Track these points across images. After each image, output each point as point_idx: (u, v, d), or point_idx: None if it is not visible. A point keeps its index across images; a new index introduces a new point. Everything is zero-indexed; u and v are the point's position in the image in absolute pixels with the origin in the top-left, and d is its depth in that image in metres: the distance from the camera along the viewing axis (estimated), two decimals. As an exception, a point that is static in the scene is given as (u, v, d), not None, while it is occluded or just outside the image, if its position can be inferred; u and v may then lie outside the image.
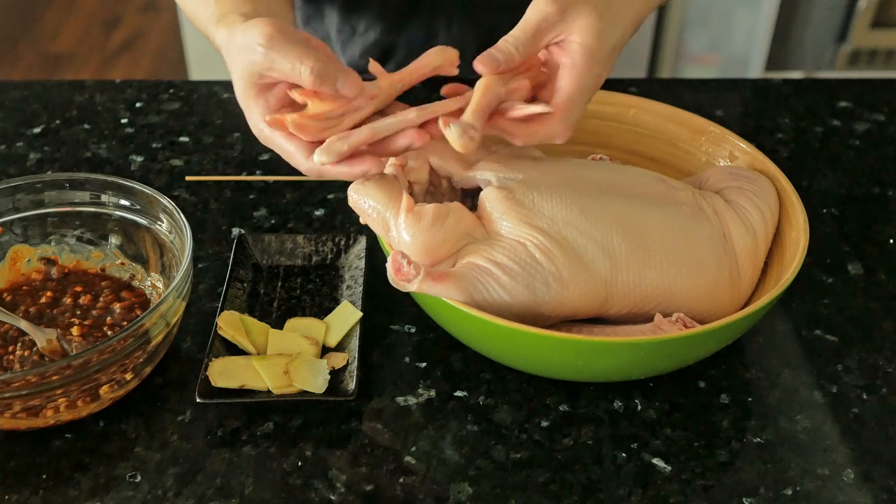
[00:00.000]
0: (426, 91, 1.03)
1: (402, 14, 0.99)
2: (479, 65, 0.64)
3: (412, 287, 0.61)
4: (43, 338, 0.66)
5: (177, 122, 0.97)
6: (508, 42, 0.64)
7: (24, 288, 0.72)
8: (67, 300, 0.70)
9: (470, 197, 0.69)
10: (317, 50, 0.61)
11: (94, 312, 0.70)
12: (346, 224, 0.83)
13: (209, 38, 0.71)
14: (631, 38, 0.69)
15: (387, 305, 0.74)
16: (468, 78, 1.03)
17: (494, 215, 0.65)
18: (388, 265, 0.61)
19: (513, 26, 1.05)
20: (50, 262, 0.73)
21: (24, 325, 0.66)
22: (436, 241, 0.62)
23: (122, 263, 0.74)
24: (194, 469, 0.61)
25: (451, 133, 0.60)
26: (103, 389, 0.62)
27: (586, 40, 0.63)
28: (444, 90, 0.67)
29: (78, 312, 0.69)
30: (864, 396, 0.68)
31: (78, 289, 0.72)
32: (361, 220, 0.66)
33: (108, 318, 0.69)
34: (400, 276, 0.61)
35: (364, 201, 0.64)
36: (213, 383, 0.64)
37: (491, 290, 0.62)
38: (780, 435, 0.65)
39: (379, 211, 0.64)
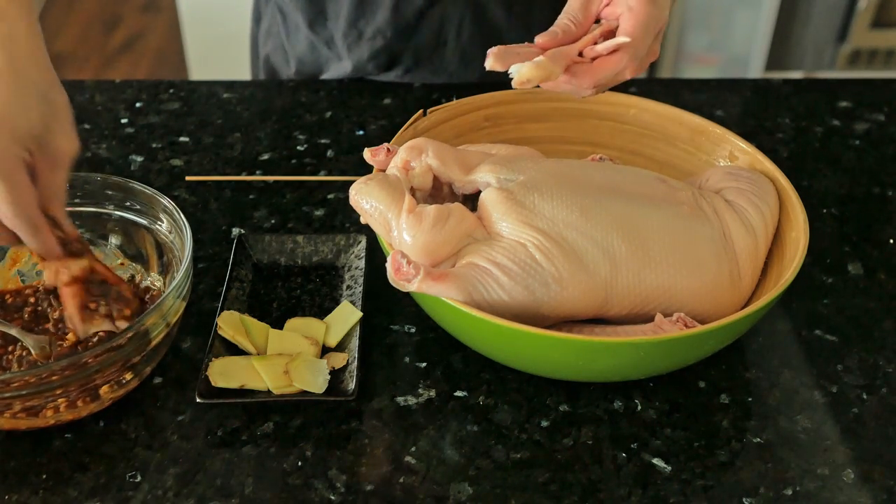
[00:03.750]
0: (425, 92, 1.03)
1: (411, 21, 0.99)
2: (539, 39, 0.68)
3: (412, 287, 0.61)
4: (36, 345, 0.66)
5: (177, 122, 0.97)
6: (563, 17, 0.69)
7: (26, 291, 0.72)
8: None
9: (471, 201, 0.69)
10: None
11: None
12: (346, 224, 0.83)
13: None
14: None
15: (387, 305, 0.74)
16: (480, 82, 1.03)
17: (495, 216, 0.65)
18: (388, 265, 0.61)
19: (521, 35, 1.05)
20: None
21: (15, 332, 0.66)
22: (437, 242, 0.62)
23: (122, 263, 0.74)
24: (194, 469, 0.61)
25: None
26: (103, 389, 0.62)
27: None
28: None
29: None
30: (864, 396, 0.68)
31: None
32: (362, 220, 0.66)
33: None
34: (400, 276, 0.61)
35: (365, 201, 0.64)
36: (213, 383, 0.64)
37: (490, 290, 0.62)
38: (780, 435, 0.65)
39: (381, 211, 0.64)
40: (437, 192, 0.69)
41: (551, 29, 0.68)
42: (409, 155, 0.67)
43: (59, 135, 0.62)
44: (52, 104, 0.62)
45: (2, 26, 0.61)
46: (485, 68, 1.06)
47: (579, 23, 0.68)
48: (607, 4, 0.69)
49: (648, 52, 0.69)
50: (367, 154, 0.70)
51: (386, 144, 0.71)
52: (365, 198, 0.64)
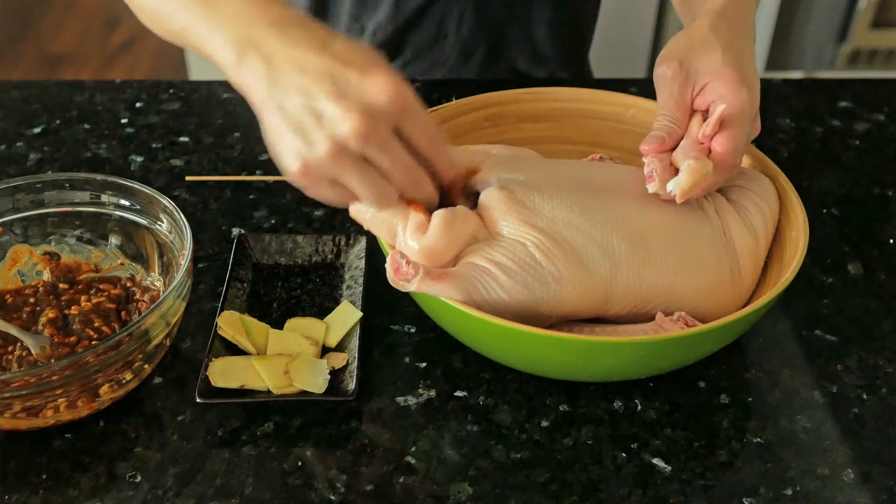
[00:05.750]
0: (425, 91, 1.03)
1: (412, 15, 0.99)
2: (646, 148, 0.66)
3: (411, 287, 0.61)
4: (36, 345, 0.66)
5: (177, 122, 0.97)
6: (662, 121, 0.67)
7: (26, 291, 0.72)
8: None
9: (470, 201, 0.69)
10: None
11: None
12: (346, 224, 0.83)
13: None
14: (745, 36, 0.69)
15: (387, 305, 0.74)
16: (480, 80, 1.03)
17: (495, 216, 0.65)
18: (388, 265, 0.61)
19: (522, 28, 1.06)
20: (54, 255, 0.73)
21: (15, 331, 0.66)
22: (440, 247, 0.62)
23: (122, 263, 0.74)
24: (194, 469, 0.61)
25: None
26: (103, 389, 0.62)
27: (718, 72, 0.64)
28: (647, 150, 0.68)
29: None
30: (864, 396, 0.68)
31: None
32: (365, 227, 0.65)
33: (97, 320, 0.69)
34: (399, 276, 0.61)
35: (367, 210, 0.64)
36: (213, 383, 0.64)
37: (490, 289, 0.62)
38: (780, 435, 0.65)
39: (384, 218, 0.63)
40: (437, 192, 0.69)
41: (655, 134, 0.66)
42: None
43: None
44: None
45: (289, 15, 0.58)
46: (485, 61, 1.06)
47: (678, 120, 0.67)
48: (698, 94, 0.66)
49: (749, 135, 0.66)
50: None
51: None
52: (366, 207, 0.64)
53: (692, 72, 0.66)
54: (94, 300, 0.70)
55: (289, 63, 0.55)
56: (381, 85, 0.54)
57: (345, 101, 0.54)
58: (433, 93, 1.02)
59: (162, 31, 0.65)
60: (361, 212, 0.64)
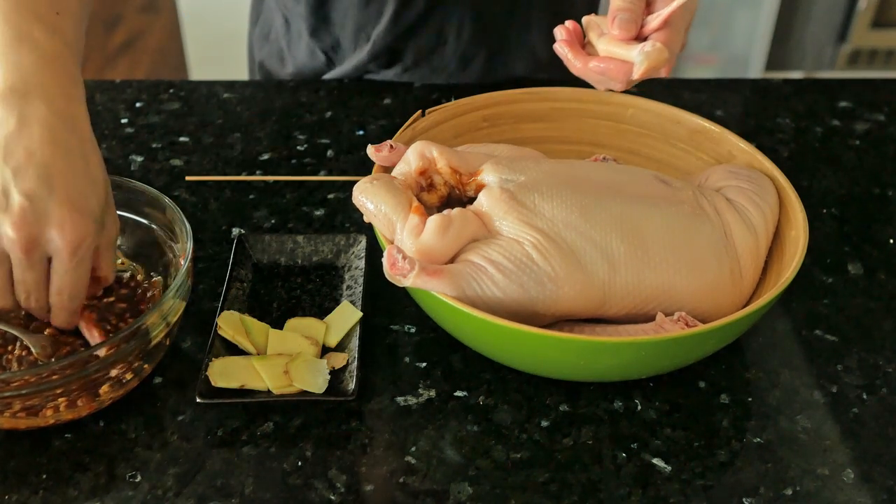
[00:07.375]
0: (425, 92, 1.03)
1: (412, 23, 1.00)
2: (621, 31, 0.68)
3: (407, 282, 0.61)
4: (36, 344, 0.66)
5: (177, 122, 0.97)
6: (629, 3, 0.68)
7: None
8: None
9: (471, 202, 0.69)
10: None
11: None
12: (346, 224, 0.83)
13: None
14: None
15: (387, 305, 0.74)
16: (480, 83, 1.03)
17: (495, 216, 0.65)
18: (384, 259, 0.62)
19: (522, 33, 1.05)
20: None
21: (15, 331, 0.66)
22: (434, 250, 0.63)
23: (122, 263, 0.74)
24: (194, 469, 0.61)
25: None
26: (103, 389, 0.62)
27: None
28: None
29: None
30: (864, 396, 0.68)
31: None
32: (365, 218, 0.66)
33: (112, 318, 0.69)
34: (395, 271, 0.61)
35: (370, 202, 0.64)
36: (213, 383, 0.64)
37: (485, 286, 0.62)
38: (780, 435, 0.65)
39: (385, 213, 0.64)
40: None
41: (626, 20, 0.67)
42: (424, 163, 0.67)
43: (109, 216, 0.63)
44: (106, 186, 0.63)
45: (72, 107, 0.61)
46: (484, 68, 1.06)
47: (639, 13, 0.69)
48: None
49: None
50: (371, 150, 0.71)
51: (389, 141, 0.71)
52: (370, 199, 0.64)
53: None
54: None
55: (16, 144, 0.58)
56: (62, 228, 0.58)
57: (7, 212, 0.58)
58: (433, 93, 1.02)
59: None
60: (364, 201, 0.65)
